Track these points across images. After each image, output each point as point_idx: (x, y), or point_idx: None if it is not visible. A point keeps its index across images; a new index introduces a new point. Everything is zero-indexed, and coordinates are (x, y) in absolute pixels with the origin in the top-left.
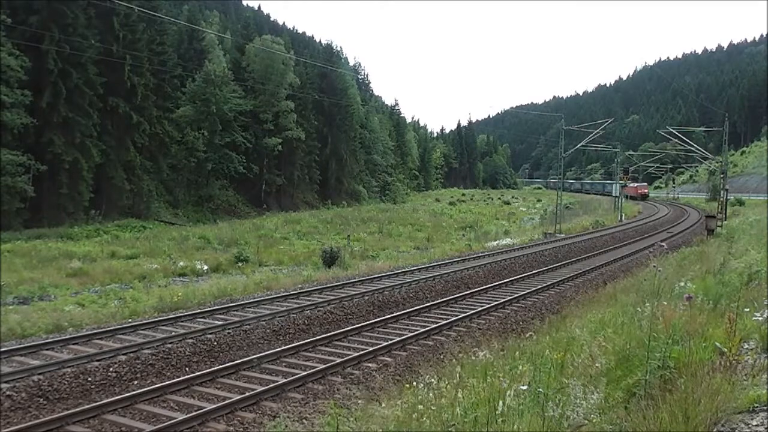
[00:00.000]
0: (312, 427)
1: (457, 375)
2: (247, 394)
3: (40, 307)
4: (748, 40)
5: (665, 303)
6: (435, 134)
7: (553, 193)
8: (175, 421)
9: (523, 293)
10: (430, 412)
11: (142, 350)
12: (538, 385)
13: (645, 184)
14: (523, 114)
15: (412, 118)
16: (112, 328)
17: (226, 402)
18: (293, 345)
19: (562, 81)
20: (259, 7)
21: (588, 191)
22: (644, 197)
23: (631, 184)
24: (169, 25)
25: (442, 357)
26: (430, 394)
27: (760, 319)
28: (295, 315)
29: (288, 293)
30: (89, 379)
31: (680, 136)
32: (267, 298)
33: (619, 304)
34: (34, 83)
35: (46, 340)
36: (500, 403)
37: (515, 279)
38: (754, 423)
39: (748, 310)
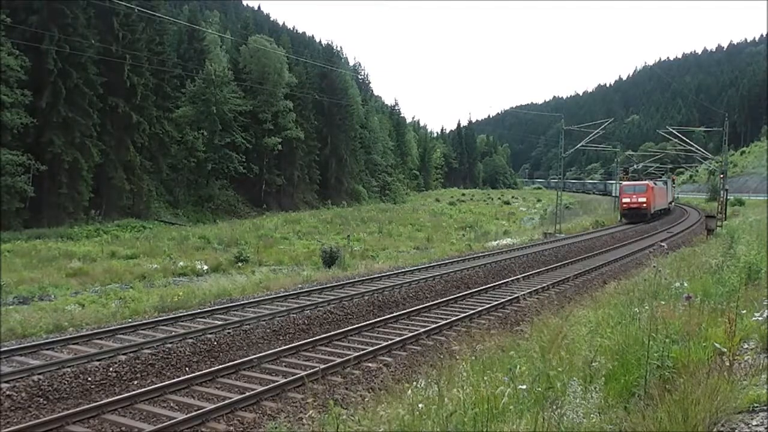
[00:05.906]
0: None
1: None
2: (247, 394)
3: (40, 307)
4: (748, 40)
5: (663, 303)
6: (435, 134)
7: (553, 193)
8: (175, 421)
9: (522, 293)
10: (431, 411)
11: (142, 350)
12: (538, 385)
13: (662, 185)
14: (523, 114)
15: (412, 118)
16: (112, 328)
17: (226, 402)
18: (293, 345)
19: (562, 81)
20: (259, 7)
21: (588, 191)
22: (640, 215)
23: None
24: (169, 25)
25: (441, 357)
26: (431, 393)
27: (760, 319)
28: (295, 315)
29: (288, 293)
30: (89, 378)
31: (680, 136)
32: (267, 298)
33: (619, 304)
34: (34, 83)
35: (46, 340)
36: (500, 402)
37: (515, 279)
38: (754, 423)
39: (744, 312)
